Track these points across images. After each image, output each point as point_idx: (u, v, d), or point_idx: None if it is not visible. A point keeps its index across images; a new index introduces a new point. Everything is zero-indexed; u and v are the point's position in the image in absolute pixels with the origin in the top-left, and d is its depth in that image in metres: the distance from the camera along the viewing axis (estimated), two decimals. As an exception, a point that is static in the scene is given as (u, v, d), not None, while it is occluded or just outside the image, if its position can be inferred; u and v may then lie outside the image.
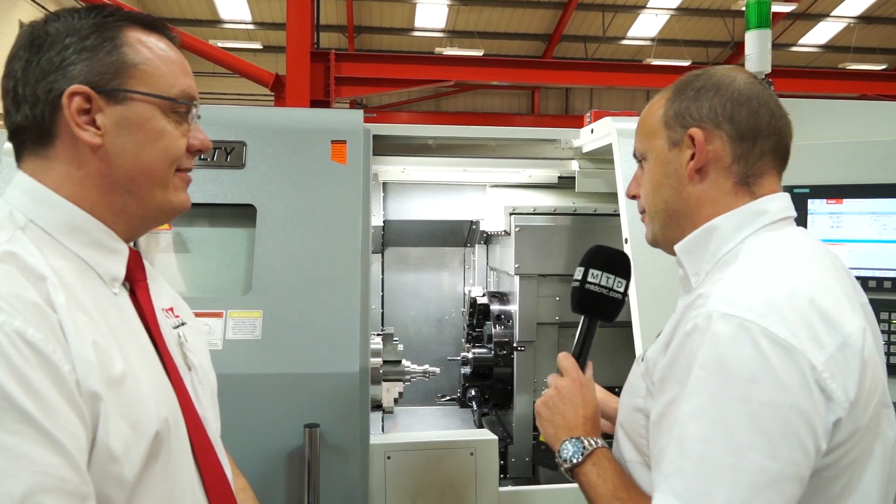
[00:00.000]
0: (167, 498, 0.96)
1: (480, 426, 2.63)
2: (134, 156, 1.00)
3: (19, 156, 1.02)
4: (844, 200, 1.75)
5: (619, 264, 1.35)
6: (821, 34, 16.65)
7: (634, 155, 1.26)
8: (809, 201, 1.78)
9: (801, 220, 1.77)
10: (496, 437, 1.91)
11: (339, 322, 1.77)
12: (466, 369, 2.49)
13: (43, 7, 11.14)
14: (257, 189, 1.84)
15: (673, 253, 1.21)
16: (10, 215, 0.96)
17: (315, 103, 6.84)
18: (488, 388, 2.45)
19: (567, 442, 1.19)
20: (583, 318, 1.37)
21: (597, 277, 1.33)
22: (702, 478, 0.94)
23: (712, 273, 1.12)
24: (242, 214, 1.84)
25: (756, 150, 1.12)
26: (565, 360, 1.31)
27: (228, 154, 1.85)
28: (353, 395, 1.74)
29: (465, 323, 2.75)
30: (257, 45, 16.21)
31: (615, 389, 1.38)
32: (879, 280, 1.71)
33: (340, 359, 1.74)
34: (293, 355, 1.73)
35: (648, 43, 17.05)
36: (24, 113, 0.98)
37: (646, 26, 16.51)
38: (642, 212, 1.27)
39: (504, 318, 2.45)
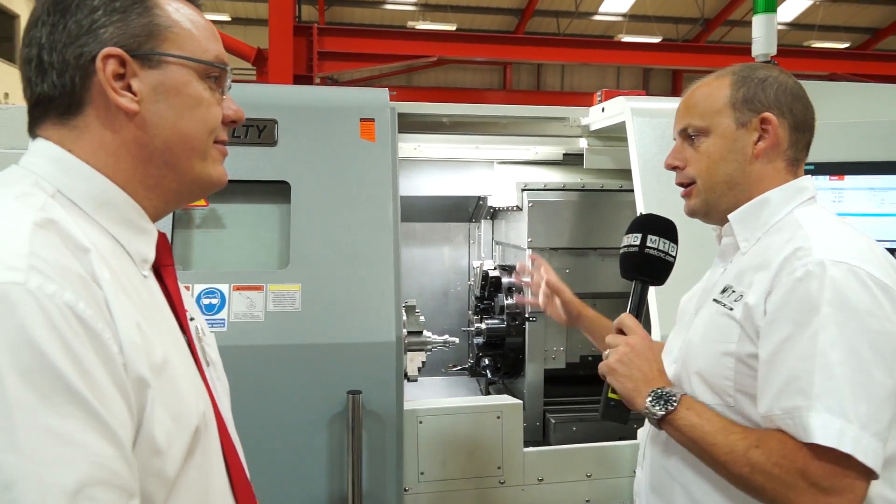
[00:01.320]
0: (202, 499, 0.89)
1: (488, 394, 2.74)
2: (172, 123, 0.92)
3: (38, 126, 0.92)
4: (846, 177, 1.88)
5: (671, 230, 1.44)
6: (787, 12, 16.92)
7: (686, 129, 1.36)
8: (814, 177, 1.90)
9: (807, 195, 1.89)
10: (521, 402, 2.02)
11: (374, 293, 1.85)
12: (479, 339, 2.59)
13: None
14: (290, 166, 1.90)
15: (717, 222, 1.35)
16: (37, 183, 0.86)
17: (298, 79, 6.80)
18: (500, 357, 2.56)
19: (652, 395, 1.27)
20: (635, 282, 1.44)
21: (655, 243, 1.41)
22: (848, 396, 1.09)
23: (764, 238, 1.26)
24: (276, 191, 1.90)
25: (803, 139, 1.32)
26: (629, 319, 1.39)
27: (261, 132, 1.90)
28: (389, 363, 1.83)
29: (473, 295, 2.84)
30: (225, 17, 15.85)
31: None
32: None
33: (377, 329, 1.83)
34: (332, 326, 1.81)
35: (620, 19, 17.15)
36: (50, 81, 0.89)
37: (617, 2, 16.59)
38: (685, 183, 1.37)
39: (515, 290, 2.55)
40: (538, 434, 2.49)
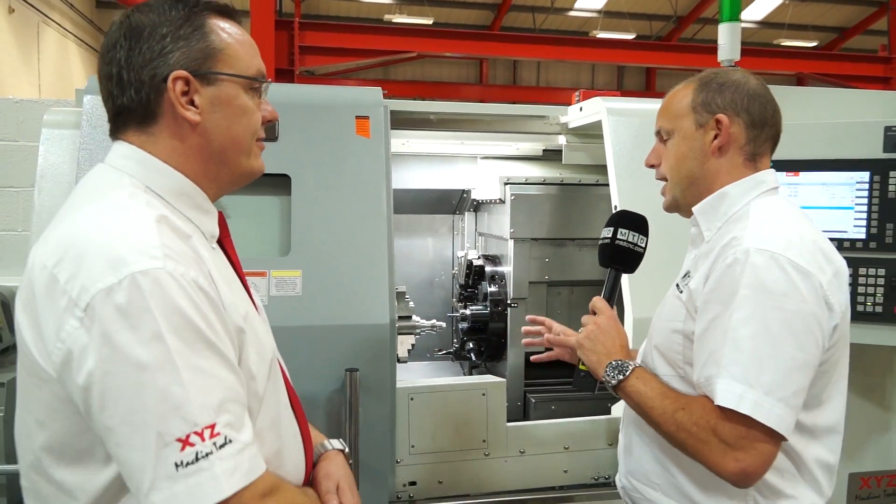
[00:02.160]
0: (276, 410, 1.17)
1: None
2: (225, 130, 1.13)
3: (121, 131, 1.13)
4: (801, 173, 2.06)
5: (641, 224, 1.60)
6: (758, 10, 17.27)
7: (659, 132, 1.53)
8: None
9: (766, 190, 2.07)
10: (504, 380, 2.18)
11: (369, 279, 1.99)
12: (464, 325, 2.74)
13: None
14: (291, 160, 2.02)
15: (688, 215, 1.51)
16: (133, 181, 1.08)
17: (279, 73, 6.87)
18: (484, 341, 2.71)
19: (610, 365, 1.45)
20: (609, 270, 1.61)
21: (625, 235, 1.57)
22: (752, 365, 1.25)
23: (724, 228, 1.42)
24: (278, 183, 2.02)
25: (762, 136, 1.47)
26: (599, 302, 1.57)
27: (273, 124, 2.02)
28: (383, 344, 1.97)
29: (457, 283, 2.99)
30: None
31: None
32: (829, 241, 2.04)
33: (372, 312, 1.96)
34: (330, 309, 1.94)
35: (595, 15, 17.37)
36: (129, 95, 1.09)
37: (593, -2, 16.81)
38: (662, 179, 1.54)
39: (497, 278, 2.71)
40: (519, 413, 2.65)
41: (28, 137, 3.17)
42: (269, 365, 1.15)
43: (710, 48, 10.99)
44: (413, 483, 2.09)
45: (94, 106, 1.94)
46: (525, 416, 2.65)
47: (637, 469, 1.55)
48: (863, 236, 2.01)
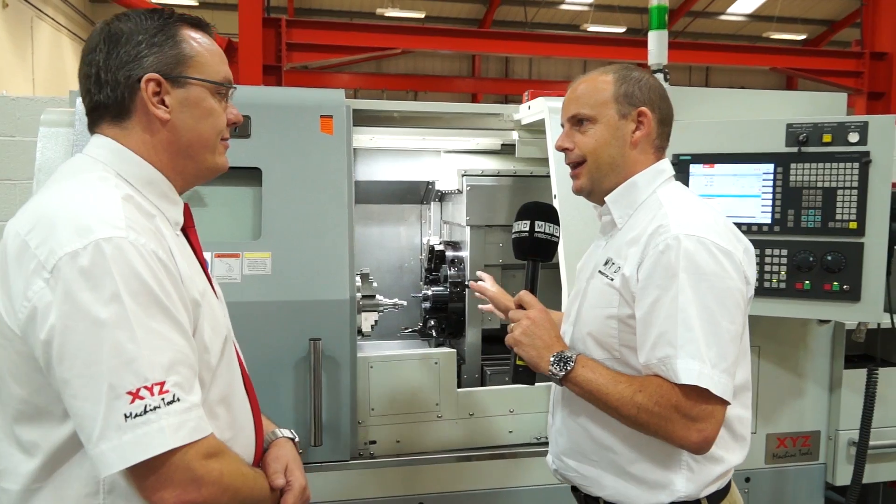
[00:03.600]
0: (229, 387, 1.27)
1: (435, 352, 3.14)
2: (192, 128, 1.24)
3: (97, 124, 1.24)
4: (716, 165, 2.31)
5: (554, 215, 1.65)
6: (748, 4, 17.47)
7: (575, 116, 1.59)
8: (691, 165, 2.34)
9: (684, 180, 2.32)
10: (454, 350, 2.44)
11: (332, 260, 2.23)
12: (427, 304, 3.00)
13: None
14: (262, 155, 2.26)
15: (599, 202, 1.61)
16: (105, 167, 1.18)
17: (267, 69, 7.10)
18: (444, 319, 2.97)
19: (553, 357, 1.49)
20: (528, 261, 1.65)
21: (542, 227, 1.61)
22: (702, 342, 1.35)
23: (636, 215, 1.53)
24: (250, 176, 2.26)
25: (665, 131, 1.61)
26: (527, 296, 1.60)
27: (237, 126, 2.27)
28: (344, 317, 2.22)
29: (423, 267, 3.25)
30: (192, 2, 15.87)
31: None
32: (739, 225, 2.27)
33: (334, 289, 2.21)
34: (297, 286, 2.19)
35: (586, 8, 17.57)
36: (105, 93, 1.20)
37: (583, -8, 17.01)
38: (576, 163, 1.59)
39: (457, 262, 2.96)
40: (477, 383, 2.90)
41: (24, 133, 3.40)
42: (223, 342, 1.24)
43: (700, 44, 11.23)
44: (373, 442, 2.35)
45: (87, 107, 2.19)
46: (483, 386, 2.91)
47: (572, 449, 1.62)
48: (768, 221, 2.26)
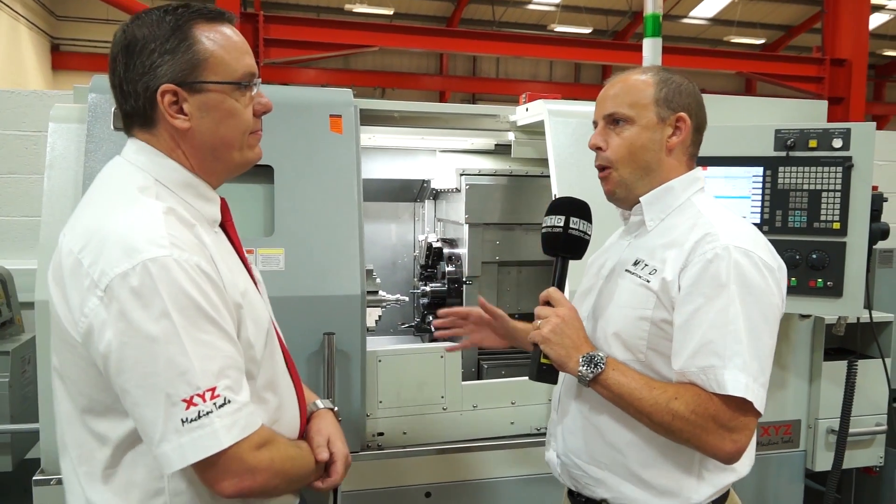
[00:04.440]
0: (273, 373, 1.33)
1: (431, 348, 3.21)
2: (214, 131, 1.24)
3: (130, 129, 1.27)
4: (708, 168, 2.43)
5: (587, 212, 1.59)
6: (709, 8, 17.88)
7: (612, 115, 1.54)
8: (686, 168, 2.45)
9: (680, 182, 2.44)
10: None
11: (343, 256, 2.29)
12: (424, 300, 3.07)
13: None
14: (273, 153, 2.30)
15: (627, 205, 1.59)
16: (145, 175, 1.22)
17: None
18: (442, 314, 3.04)
19: (583, 359, 1.44)
20: (558, 258, 1.57)
21: (577, 224, 1.55)
22: (748, 355, 1.36)
23: (667, 219, 1.53)
24: (262, 173, 2.30)
25: (699, 139, 1.59)
26: (556, 293, 1.53)
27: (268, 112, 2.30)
28: (355, 312, 2.28)
29: (418, 263, 3.31)
30: (165, -3, 15.60)
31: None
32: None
33: (345, 284, 2.27)
34: (309, 282, 2.24)
35: (553, 9, 17.77)
36: (130, 104, 1.23)
37: (551, -8, 17.19)
38: (604, 166, 1.56)
39: (454, 259, 3.04)
40: (474, 377, 2.99)
41: (31, 128, 3.37)
42: (265, 334, 1.30)
43: (666, 47, 11.43)
44: (381, 434, 2.41)
45: (98, 103, 2.19)
46: (479, 378, 2.99)
47: (580, 448, 1.59)
48: (758, 221, 2.39)
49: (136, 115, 1.24)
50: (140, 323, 1.08)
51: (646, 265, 1.51)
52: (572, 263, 1.59)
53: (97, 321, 1.10)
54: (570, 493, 1.68)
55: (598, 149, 1.58)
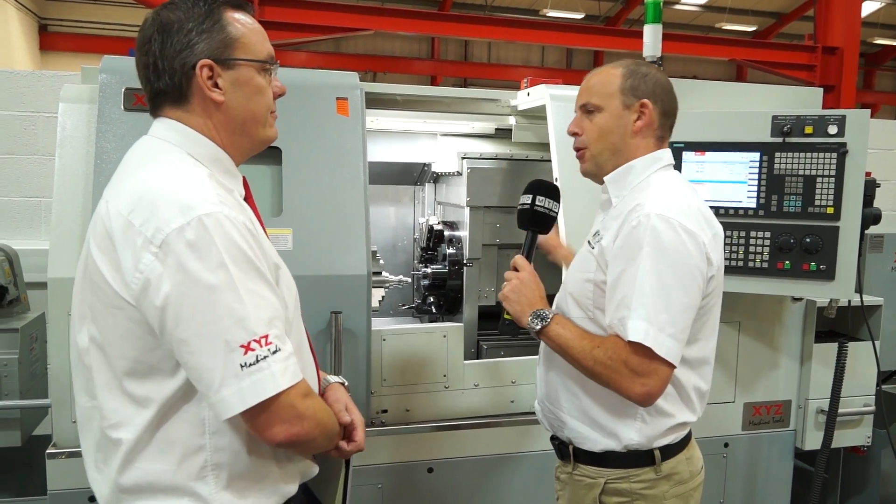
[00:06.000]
0: (300, 334, 1.41)
1: (432, 328, 3.26)
2: (245, 106, 1.33)
3: (160, 108, 1.33)
4: (706, 153, 2.49)
5: (555, 192, 1.83)
6: (701, -5, 17.92)
7: (585, 105, 1.75)
8: (683, 153, 2.51)
9: (677, 166, 2.48)
10: (462, 324, 2.57)
11: (349, 237, 2.33)
12: (425, 282, 3.12)
13: None
14: (281, 135, 2.28)
15: (600, 182, 1.79)
16: (177, 150, 1.28)
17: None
18: (443, 296, 3.09)
19: (533, 314, 1.69)
20: (527, 231, 1.83)
21: (542, 202, 1.79)
22: (653, 307, 1.53)
23: (629, 196, 1.70)
24: (270, 155, 2.33)
25: (668, 122, 1.76)
26: (521, 260, 1.79)
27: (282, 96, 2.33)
28: (361, 291, 2.32)
29: (419, 245, 3.36)
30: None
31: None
32: (727, 208, 2.48)
33: (352, 264, 2.31)
34: (317, 261, 2.28)
35: (546, -7, 17.73)
36: (164, 81, 1.29)
37: (543, -23, 17.12)
38: (580, 148, 1.77)
39: (455, 241, 3.08)
40: (474, 357, 3.04)
41: (28, 108, 3.36)
42: (295, 300, 1.39)
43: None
44: (385, 411, 2.47)
45: (109, 84, 2.21)
46: (478, 356, 3.05)
47: (551, 395, 1.82)
48: (754, 205, 2.45)
49: (169, 92, 1.30)
50: (198, 273, 1.13)
51: (598, 235, 1.71)
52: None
53: (154, 275, 1.14)
54: (552, 437, 1.89)
55: (574, 134, 1.79)
